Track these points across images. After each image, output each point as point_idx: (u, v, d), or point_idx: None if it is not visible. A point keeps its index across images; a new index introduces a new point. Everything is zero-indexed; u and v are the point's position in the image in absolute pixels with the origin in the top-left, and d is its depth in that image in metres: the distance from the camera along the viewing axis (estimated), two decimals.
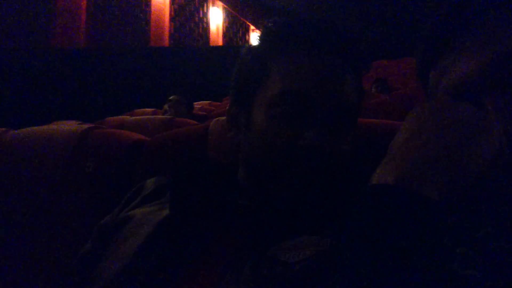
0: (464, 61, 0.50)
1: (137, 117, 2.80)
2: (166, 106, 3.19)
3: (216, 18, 10.74)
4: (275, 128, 0.62)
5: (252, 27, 12.57)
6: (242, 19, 12.22)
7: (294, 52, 0.65)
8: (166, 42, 8.59)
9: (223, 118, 0.94)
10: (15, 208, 0.97)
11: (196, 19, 10.00)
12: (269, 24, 0.69)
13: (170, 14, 8.84)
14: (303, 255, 0.55)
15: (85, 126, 1.07)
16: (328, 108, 0.62)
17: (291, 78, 0.63)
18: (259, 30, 0.74)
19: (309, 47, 0.64)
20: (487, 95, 0.47)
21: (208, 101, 4.83)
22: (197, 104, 4.46)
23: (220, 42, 10.91)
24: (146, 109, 3.85)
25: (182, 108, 3.17)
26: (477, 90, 0.48)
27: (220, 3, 10.87)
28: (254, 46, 0.71)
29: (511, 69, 0.46)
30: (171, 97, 3.20)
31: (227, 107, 0.76)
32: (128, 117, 2.99)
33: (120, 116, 3.20)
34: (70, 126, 1.10)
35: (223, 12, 11.15)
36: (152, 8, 8.35)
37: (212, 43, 10.45)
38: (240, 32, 12.46)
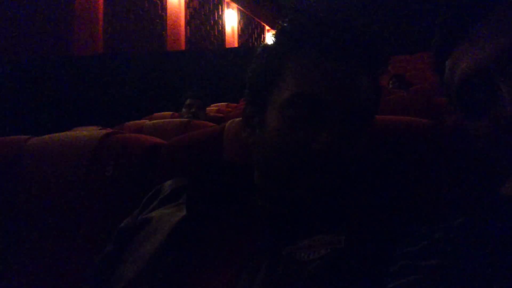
0: (478, 48, 0.49)
1: (155, 121, 2.83)
2: (183, 110, 3.25)
3: (231, 20, 10.77)
4: (288, 130, 0.62)
5: (267, 27, 12.56)
6: (257, 19, 12.23)
7: (308, 52, 0.64)
8: (182, 45, 8.66)
9: (238, 119, 0.94)
10: (38, 213, 0.99)
11: (212, 21, 10.05)
12: (284, 24, 0.69)
13: (186, 18, 8.90)
14: (318, 253, 0.55)
15: (104, 131, 1.09)
16: (342, 110, 0.61)
17: (304, 80, 0.63)
18: (275, 30, 0.72)
19: (323, 47, 0.63)
20: (501, 81, 0.47)
21: (225, 103, 4.85)
22: (214, 106, 4.49)
23: (235, 43, 10.94)
24: (165, 112, 3.89)
25: (199, 110, 3.21)
26: (492, 76, 0.48)
27: (235, 5, 10.90)
28: (269, 46, 0.71)
29: None
30: (187, 101, 3.25)
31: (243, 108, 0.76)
32: (147, 121, 3.02)
33: (139, 121, 3.24)
34: (90, 131, 1.12)
35: (238, 14, 11.17)
36: (168, 12, 8.43)
37: (228, 45, 10.48)
38: (256, 33, 12.46)
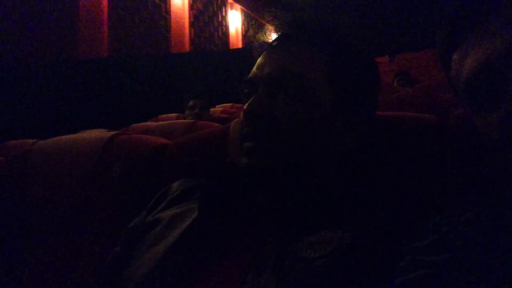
0: (487, 41, 0.49)
1: (161, 122, 2.84)
2: (186, 111, 3.25)
3: (235, 21, 10.78)
4: None
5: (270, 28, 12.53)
6: (260, 20, 12.23)
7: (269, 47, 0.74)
8: (186, 47, 8.67)
9: None
10: (46, 215, 1.00)
11: (215, 23, 10.06)
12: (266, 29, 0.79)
13: (190, 20, 8.92)
14: (324, 250, 0.55)
15: (110, 133, 1.10)
16: (263, 80, 0.68)
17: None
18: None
19: (278, 41, 0.73)
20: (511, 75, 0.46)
21: (230, 104, 4.85)
22: (219, 107, 4.49)
23: (239, 44, 10.94)
24: (170, 114, 3.90)
25: (202, 111, 3.21)
26: (501, 70, 0.47)
27: (239, 6, 10.91)
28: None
29: None
30: (190, 103, 3.25)
31: None
32: (152, 123, 3.03)
33: (144, 123, 3.25)
34: (96, 134, 1.13)
35: (242, 15, 11.18)
36: (172, 14, 8.44)
37: (232, 46, 10.49)
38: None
